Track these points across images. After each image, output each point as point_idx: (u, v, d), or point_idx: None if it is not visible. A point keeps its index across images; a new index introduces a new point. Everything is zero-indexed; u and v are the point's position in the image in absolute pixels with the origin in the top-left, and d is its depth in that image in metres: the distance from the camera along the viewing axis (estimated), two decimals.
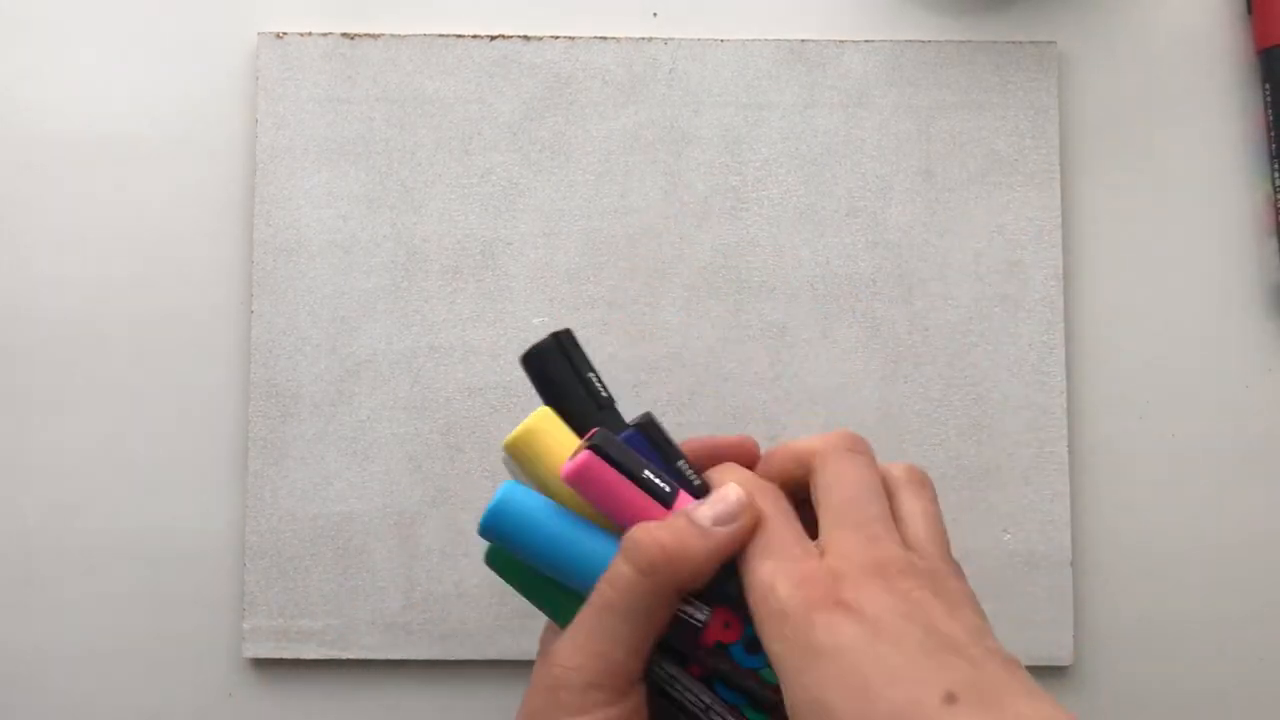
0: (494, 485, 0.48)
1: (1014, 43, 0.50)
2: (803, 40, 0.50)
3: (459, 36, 0.49)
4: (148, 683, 0.48)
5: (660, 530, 0.32)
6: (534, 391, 0.37)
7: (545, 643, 0.36)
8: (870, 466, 0.34)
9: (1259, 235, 0.50)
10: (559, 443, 0.35)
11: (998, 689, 0.29)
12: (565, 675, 0.32)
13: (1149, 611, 0.49)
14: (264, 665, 0.48)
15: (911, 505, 0.34)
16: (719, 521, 0.32)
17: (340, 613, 0.48)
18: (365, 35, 0.49)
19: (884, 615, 0.30)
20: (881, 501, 0.33)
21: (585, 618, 0.32)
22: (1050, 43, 0.50)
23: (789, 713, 0.30)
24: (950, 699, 0.28)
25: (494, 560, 0.36)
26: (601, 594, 0.32)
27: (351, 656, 0.47)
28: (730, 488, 0.33)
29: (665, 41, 0.49)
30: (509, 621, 0.47)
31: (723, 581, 0.34)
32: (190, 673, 0.48)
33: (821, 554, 0.32)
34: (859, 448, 0.34)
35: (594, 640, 0.32)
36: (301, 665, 0.48)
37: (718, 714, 0.34)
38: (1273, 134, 0.49)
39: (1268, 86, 0.49)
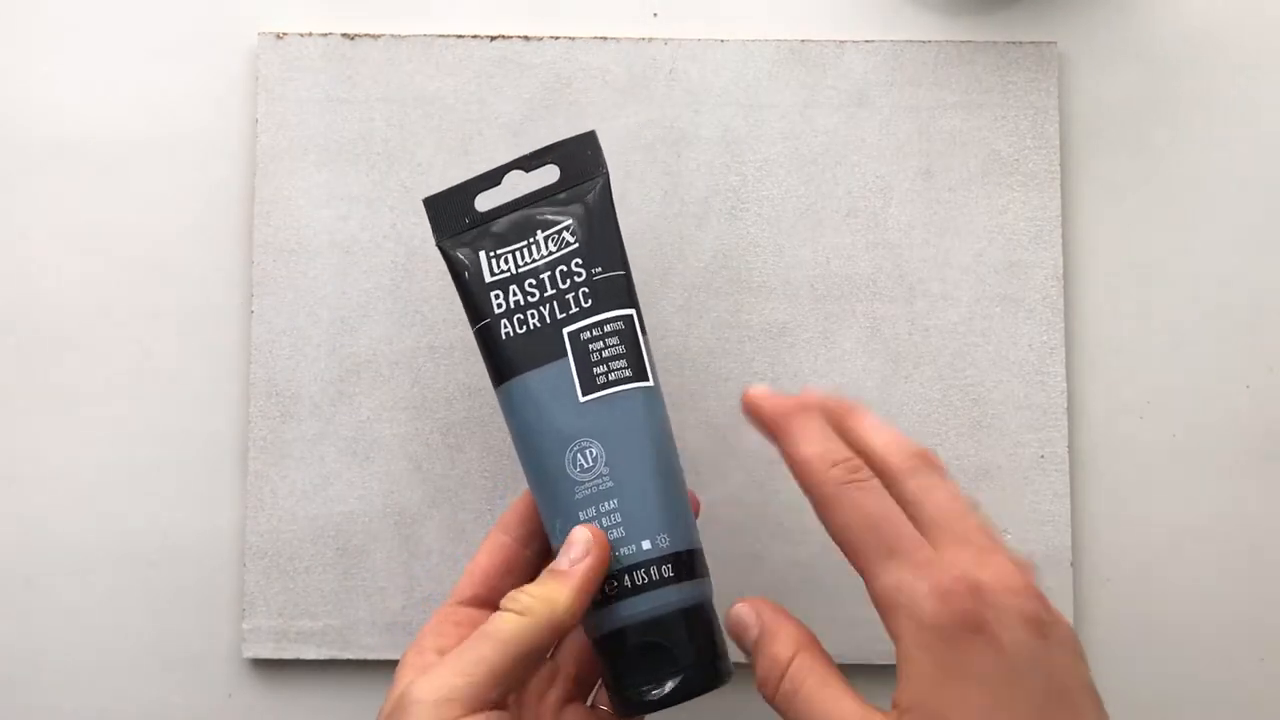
0: (494, 485, 0.48)
1: (1014, 43, 0.50)
2: (803, 40, 0.50)
3: (459, 36, 0.49)
4: (148, 683, 0.48)
5: (530, 586, 0.37)
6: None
7: (403, 665, 0.38)
8: (950, 479, 0.36)
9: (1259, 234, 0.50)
10: None
11: None
12: (426, 692, 0.34)
13: (1149, 612, 0.49)
14: (264, 665, 0.48)
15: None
16: (573, 563, 0.37)
17: (340, 613, 0.48)
18: (365, 35, 0.49)
19: (1019, 654, 0.32)
20: (979, 513, 0.35)
21: (461, 647, 0.36)
22: (1050, 43, 0.50)
23: (907, 714, 0.32)
24: None
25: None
26: (480, 629, 0.36)
27: (351, 656, 0.47)
28: (576, 531, 0.37)
29: (665, 41, 0.49)
30: None
31: None
32: (190, 673, 0.48)
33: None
34: (937, 463, 0.36)
35: (461, 663, 0.35)
36: (301, 665, 0.48)
37: None
38: None
39: None
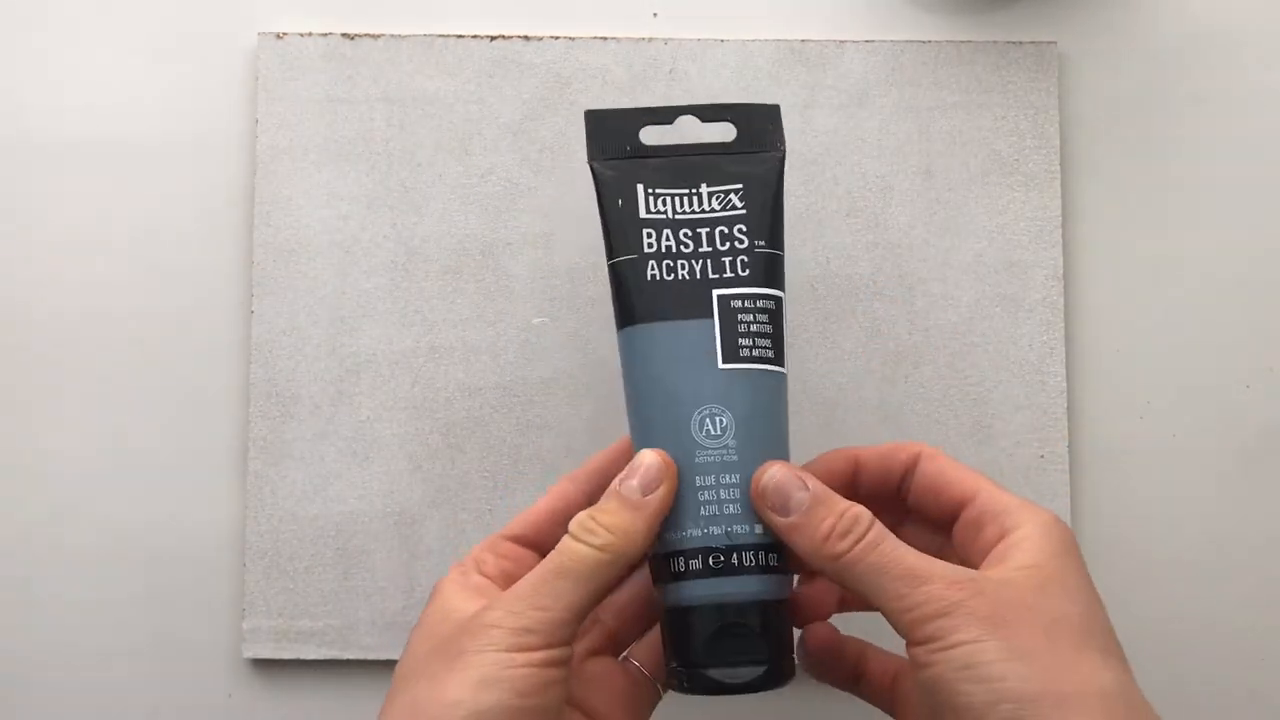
0: (494, 485, 0.48)
1: (1014, 43, 0.50)
2: (803, 40, 0.50)
3: (459, 36, 0.49)
4: (148, 683, 0.48)
5: (601, 515, 0.36)
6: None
7: (445, 587, 0.38)
8: (1088, 575, 0.37)
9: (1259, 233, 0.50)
10: None
11: None
12: (504, 618, 0.34)
13: (1149, 611, 0.48)
14: (264, 665, 0.48)
15: None
16: (646, 490, 0.36)
17: (340, 613, 0.48)
18: (365, 35, 0.49)
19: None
20: (1106, 617, 0.36)
21: (535, 578, 0.35)
22: (1050, 43, 0.50)
23: (1026, 568, 0.35)
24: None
25: None
26: (556, 562, 0.36)
27: (351, 657, 0.47)
28: (646, 455, 0.37)
29: (665, 41, 0.49)
30: None
31: None
32: (190, 673, 0.48)
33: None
34: (1077, 548, 0.37)
35: (540, 596, 0.35)
36: (301, 665, 0.48)
37: None
38: None
39: None
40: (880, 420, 0.48)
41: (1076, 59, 0.50)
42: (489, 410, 0.48)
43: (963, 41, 0.50)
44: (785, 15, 0.50)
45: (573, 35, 0.49)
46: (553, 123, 0.49)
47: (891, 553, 0.35)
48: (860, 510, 0.36)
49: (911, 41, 0.50)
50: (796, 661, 0.38)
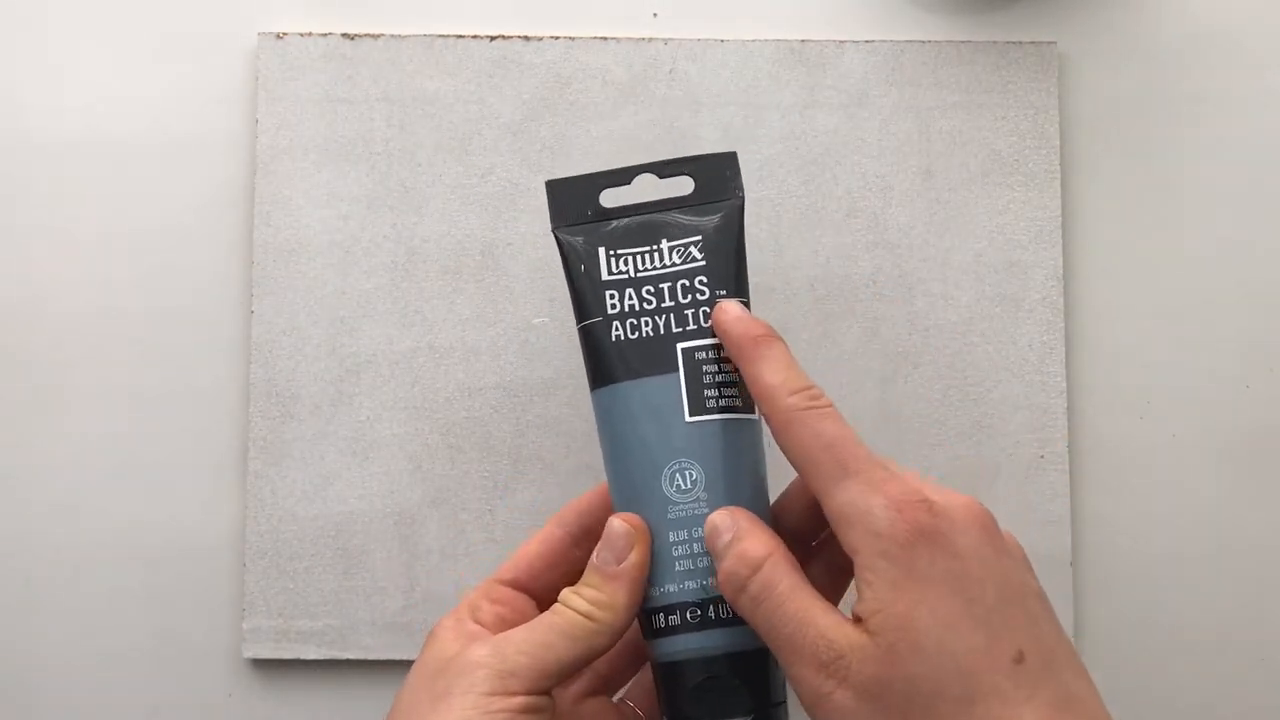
0: (494, 485, 0.48)
1: (1014, 43, 0.50)
2: (803, 40, 0.50)
3: (459, 36, 0.49)
4: (148, 683, 0.48)
5: (584, 590, 0.37)
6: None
7: (441, 631, 0.38)
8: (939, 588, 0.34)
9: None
10: None
11: (1056, 657, 0.32)
12: (490, 658, 0.35)
13: (1149, 611, 0.49)
14: (264, 665, 0.48)
15: None
16: (619, 559, 0.37)
17: (340, 613, 0.48)
18: (365, 35, 0.49)
19: (974, 560, 0.33)
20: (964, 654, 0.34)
21: (529, 627, 0.36)
22: (1050, 43, 0.50)
23: (873, 618, 0.33)
24: (1019, 658, 0.32)
25: None
26: (550, 619, 0.37)
27: (351, 656, 0.47)
28: (614, 524, 0.37)
29: (665, 41, 0.49)
30: None
31: None
32: (190, 673, 0.48)
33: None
34: (925, 547, 0.34)
35: (531, 644, 0.36)
36: (301, 665, 0.48)
37: None
38: None
39: None
40: (880, 420, 0.48)
41: (1076, 59, 0.50)
42: (489, 410, 0.48)
43: (963, 41, 0.50)
44: (785, 15, 0.50)
45: (573, 35, 0.49)
46: (553, 123, 0.49)
47: (780, 603, 0.34)
48: (751, 549, 0.35)
49: (911, 41, 0.50)
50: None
